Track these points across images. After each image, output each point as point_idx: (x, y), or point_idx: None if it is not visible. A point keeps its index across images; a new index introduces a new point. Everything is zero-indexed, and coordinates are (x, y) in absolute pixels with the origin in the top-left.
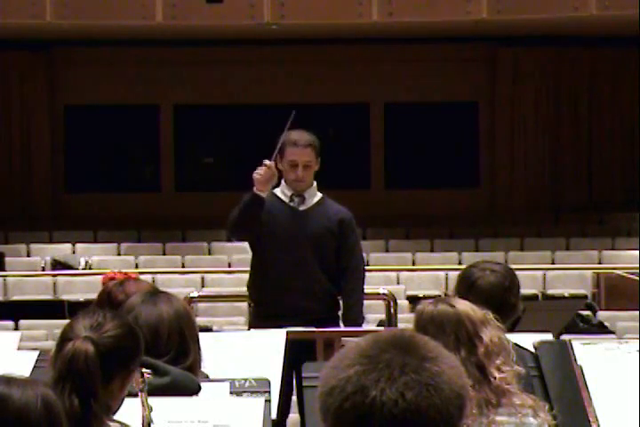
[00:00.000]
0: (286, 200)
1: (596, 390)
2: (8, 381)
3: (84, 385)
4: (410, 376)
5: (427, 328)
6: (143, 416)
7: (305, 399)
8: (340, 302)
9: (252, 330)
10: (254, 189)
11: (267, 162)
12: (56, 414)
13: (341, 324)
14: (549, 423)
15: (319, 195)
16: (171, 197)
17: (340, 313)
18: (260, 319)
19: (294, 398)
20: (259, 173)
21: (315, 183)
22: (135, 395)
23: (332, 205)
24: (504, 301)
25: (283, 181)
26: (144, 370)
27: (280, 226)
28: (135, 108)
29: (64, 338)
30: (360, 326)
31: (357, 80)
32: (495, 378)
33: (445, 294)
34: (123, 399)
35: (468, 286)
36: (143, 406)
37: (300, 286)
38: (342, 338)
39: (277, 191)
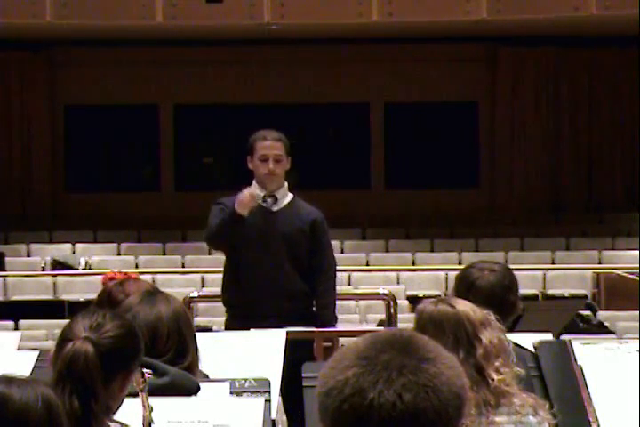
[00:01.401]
0: (259, 201)
1: (595, 390)
2: (8, 381)
3: (85, 386)
4: (408, 378)
5: (426, 328)
6: (144, 416)
7: (305, 399)
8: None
9: (251, 330)
10: (236, 208)
11: (255, 192)
12: (56, 414)
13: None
14: (549, 422)
15: (290, 195)
16: (171, 197)
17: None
18: (236, 321)
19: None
20: (245, 196)
21: (286, 184)
22: (135, 395)
23: (303, 206)
24: (504, 300)
25: (254, 182)
26: (145, 370)
27: (253, 227)
28: (135, 108)
29: (64, 338)
30: (334, 326)
31: (357, 80)
32: (493, 380)
33: (445, 295)
34: (122, 400)
35: (467, 285)
36: (144, 406)
37: (276, 286)
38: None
39: None
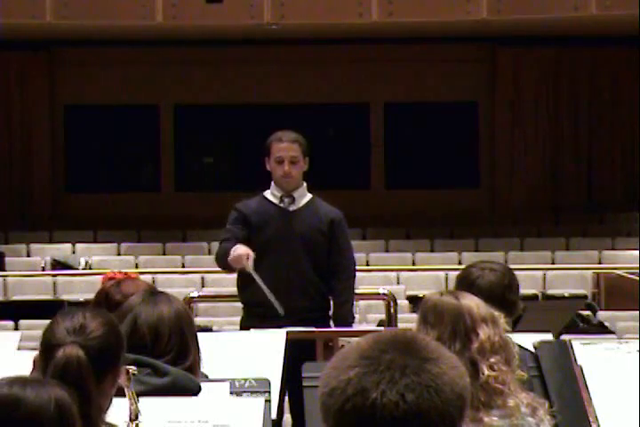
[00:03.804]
0: (276, 201)
1: (596, 390)
2: (23, 382)
3: (79, 392)
4: (410, 378)
5: (427, 316)
6: (130, 409)
7: (305, 399)
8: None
9: (251, 330)
10: (229, 261)
11: (249, 265)
12: (69, 416)
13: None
14: (549, 422)
15: (309, 195)
16: (171, 197)
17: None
18: (252, 319)
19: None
20: (235, 258)
21: (304, 184)
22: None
23: (322, 206)
24: (504, 299)
25: (272, 183)
26: (129, 367)
27: (271, 227)
28: (135, 108)
29: (49, 344)
30: (350, 325)
31: (357, 80)
32: (483, 374)
33: None
34: (112, 397)
35: (467, 284)
36: (130, 399)
37: (293, 286)
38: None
39: (267, 193)
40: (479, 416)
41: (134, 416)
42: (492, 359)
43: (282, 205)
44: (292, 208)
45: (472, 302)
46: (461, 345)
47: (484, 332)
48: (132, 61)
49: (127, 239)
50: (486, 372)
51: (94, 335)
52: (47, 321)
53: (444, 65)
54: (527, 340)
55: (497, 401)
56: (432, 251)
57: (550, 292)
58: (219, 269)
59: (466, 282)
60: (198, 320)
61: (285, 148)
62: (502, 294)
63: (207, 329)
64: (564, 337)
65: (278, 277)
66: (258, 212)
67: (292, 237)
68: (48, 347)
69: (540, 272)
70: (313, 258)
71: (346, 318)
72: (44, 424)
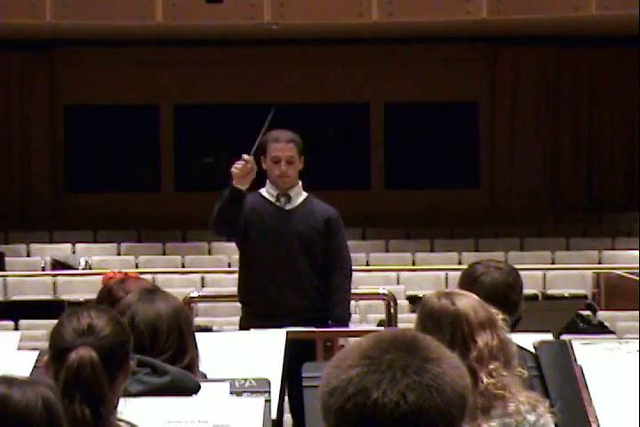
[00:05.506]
0: (272, 200)
1: (595, 390)
2: (9, 381)
3: (94, 393)
4: (412, 378)
5: (425, 322)
6: None
7: (305, 399)
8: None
9: (251, 330)
10: (233, 183)
11: (245, 156)
12: (57, 415)
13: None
14: (548, 420)
15: (305, 194)
16: (171, 197)
17: None
18: (251, 319)
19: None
20: (236, 168)
21: (300, 183)
22: (134, 395)
23: (318, 204)
24: (505, 298)
25: (267, 181)
26: None
27: (267, 226)
28: (135, 108)
29: (59, 348)
30: (347, 322)
31: (357, 80)
32: (483, 382)
33: None
34: (120, 391)
35: (471, 280)
36: None
37: (291, 286)
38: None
39: (263, 191)
40: (477, 423)
41: None
42: (491, 366)
43: (278, 204)
44: (287, 207)
45: (469, 306)
46: (460, 353)
47: (481, 339)
48: (132, 61)
49: (127, 239)
50: (485, 380)
51: (104, 334)
52: (47, 321)
53: (444, 65)
54: (527, 340)
55: (497, 406)
56: (432, 251)
57: (550, 292)
58: (219, 269)
59: (469, 278)
60: (198, 320)
61: (282, 148)
62: (504, 292)
63: (207, 329)
64: (564, 337)
65: (275, 276)
66: (253, 207)
67: (288, 236)
68: (58, 351)
69: (540, 272)
70: (310, 257)
71: (343, 317)
72: (31, 423)
